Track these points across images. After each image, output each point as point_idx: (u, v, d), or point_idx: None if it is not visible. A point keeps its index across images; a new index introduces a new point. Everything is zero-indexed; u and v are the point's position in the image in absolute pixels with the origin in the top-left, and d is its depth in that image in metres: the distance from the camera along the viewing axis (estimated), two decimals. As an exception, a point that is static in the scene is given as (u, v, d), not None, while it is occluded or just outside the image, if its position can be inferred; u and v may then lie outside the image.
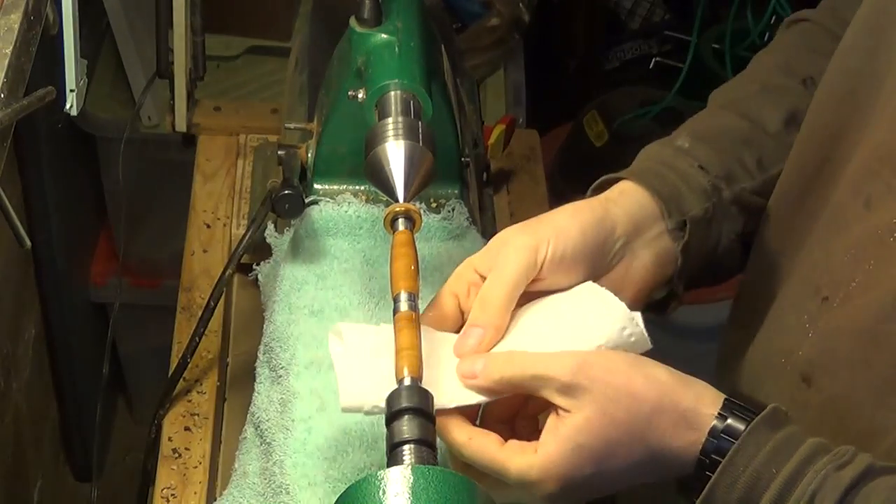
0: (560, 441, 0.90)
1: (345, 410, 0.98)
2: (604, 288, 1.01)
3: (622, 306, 0.99)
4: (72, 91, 1.36)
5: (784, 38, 1.21)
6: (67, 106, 1.36)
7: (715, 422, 0.91)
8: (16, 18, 1.18)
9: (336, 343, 1.02)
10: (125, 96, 2.10)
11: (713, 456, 0.91)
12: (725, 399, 0.93)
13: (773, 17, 2.47)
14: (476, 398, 0.96)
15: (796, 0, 2.41)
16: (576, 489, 0.92)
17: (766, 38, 2.50)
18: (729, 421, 0.91)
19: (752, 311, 1.10)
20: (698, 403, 0.92)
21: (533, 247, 0.98)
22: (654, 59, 2.71)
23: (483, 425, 0.96)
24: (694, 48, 2.49)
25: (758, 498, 0.89)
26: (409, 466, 0.84)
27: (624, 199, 1.06)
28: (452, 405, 0.95)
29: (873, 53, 0.98)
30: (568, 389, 0.91)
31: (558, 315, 1.00)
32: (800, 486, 0.88)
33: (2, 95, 1.11)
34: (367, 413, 0.97)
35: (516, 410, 0.99)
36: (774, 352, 1.01)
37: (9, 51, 1.14)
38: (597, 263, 1.02)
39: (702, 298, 2.27)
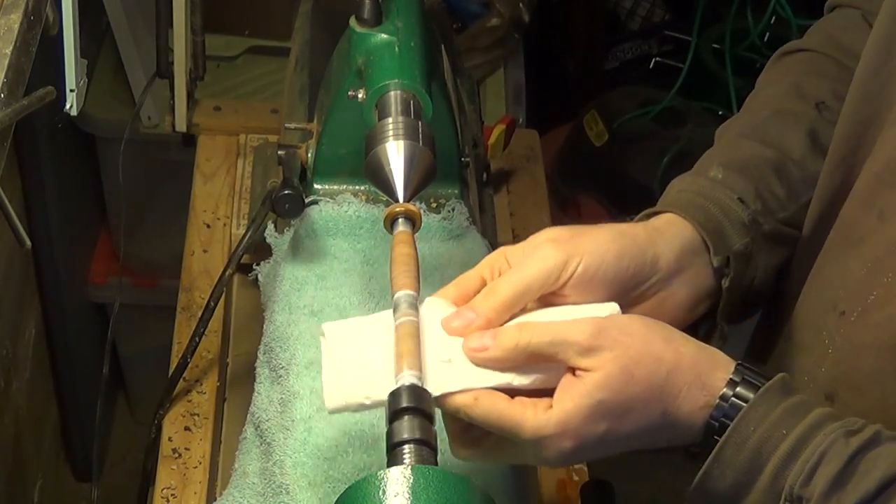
0: (578, 397, 0.91)
1: (332, 412, 0.97)
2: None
3: None
4: (72, 91, 1.36)
5: (782, 67, 1.19)
6: (67, 106, 1.36)
7: (725, 388, 0.92)
8: (16, 18, 1.18)
9: (323, 344, 1.00)
10: (125, 96, 2.10)
11: (722, 419, 0.92)
12: (737, 364, 0.93)
13: (773, 17, 2.47)
14: (478, 381, 0.93)
15: (796, 0, 2.41)
16: (589, 447, 0.93)
17: (765, 38, 2.51)
18: (739, 388, 0.92)
19: (771, 336, 1.10)
20: (713, 367, 0.93)
21: (562, 261, 0.96)
22: (654, 59, 2.71)
23: None
24: (694, 48, 2.49)
25: (767, 458, 0.90)
26: (409, 466, 0.84)
27: (670, 231, 1.04)
28: (455, 388, 0.93)
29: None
30: (588, 351, 0.91)
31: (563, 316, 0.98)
32: (809, 447, 0.89)
33: (2, 95, 1.11)
34: (355, 411, 0.96)
35: None
36: (797, 372, 1.00)
37: (9, 51, 1.14)
38: (628, 291, 1.00)
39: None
